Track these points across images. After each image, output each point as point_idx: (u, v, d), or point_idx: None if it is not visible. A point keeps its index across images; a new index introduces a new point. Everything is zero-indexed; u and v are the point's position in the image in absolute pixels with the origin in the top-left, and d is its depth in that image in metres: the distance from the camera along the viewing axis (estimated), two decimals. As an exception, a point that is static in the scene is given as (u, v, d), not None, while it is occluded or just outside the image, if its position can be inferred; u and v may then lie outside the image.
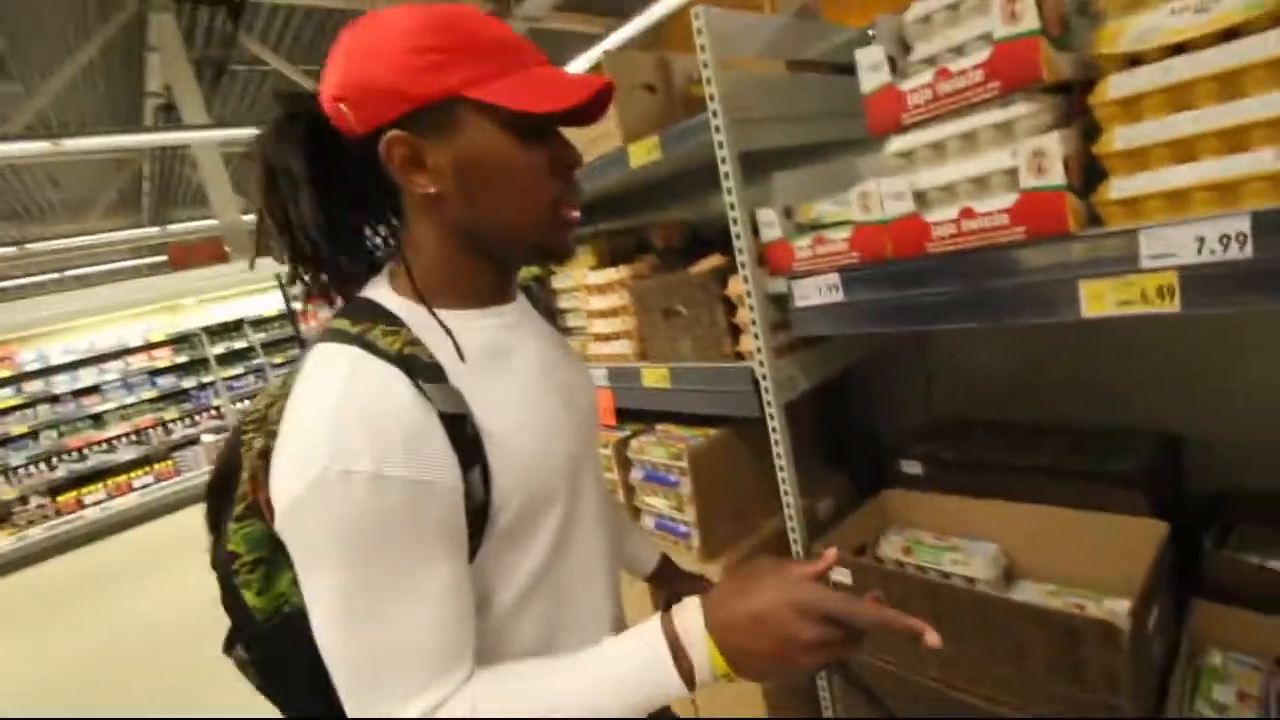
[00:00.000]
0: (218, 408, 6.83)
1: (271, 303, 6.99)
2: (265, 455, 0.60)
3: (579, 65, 5.89)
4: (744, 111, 1.16)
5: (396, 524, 0.53)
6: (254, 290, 6.92)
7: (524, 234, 0.64)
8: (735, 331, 1.36)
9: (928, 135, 0.91)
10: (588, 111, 0.66)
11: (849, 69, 1.43)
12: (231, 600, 0.66)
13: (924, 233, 0.93)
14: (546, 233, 0.65)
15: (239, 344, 6.90)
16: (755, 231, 1.19)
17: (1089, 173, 0.83)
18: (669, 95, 1.48)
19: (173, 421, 6.66)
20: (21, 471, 5.94)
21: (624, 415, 1.73)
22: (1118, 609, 1.04)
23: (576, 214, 0.67)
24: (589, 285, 1.73)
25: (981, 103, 0.86)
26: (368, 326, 0.59)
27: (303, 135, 0.61)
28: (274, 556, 0.64)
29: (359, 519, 0.52)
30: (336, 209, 0.63)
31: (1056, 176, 0.80)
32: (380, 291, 0.65)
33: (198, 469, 6.54)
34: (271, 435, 0.60)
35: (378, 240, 0.71)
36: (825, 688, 1.37)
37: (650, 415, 1.74)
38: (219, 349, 6.78)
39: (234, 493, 0.67)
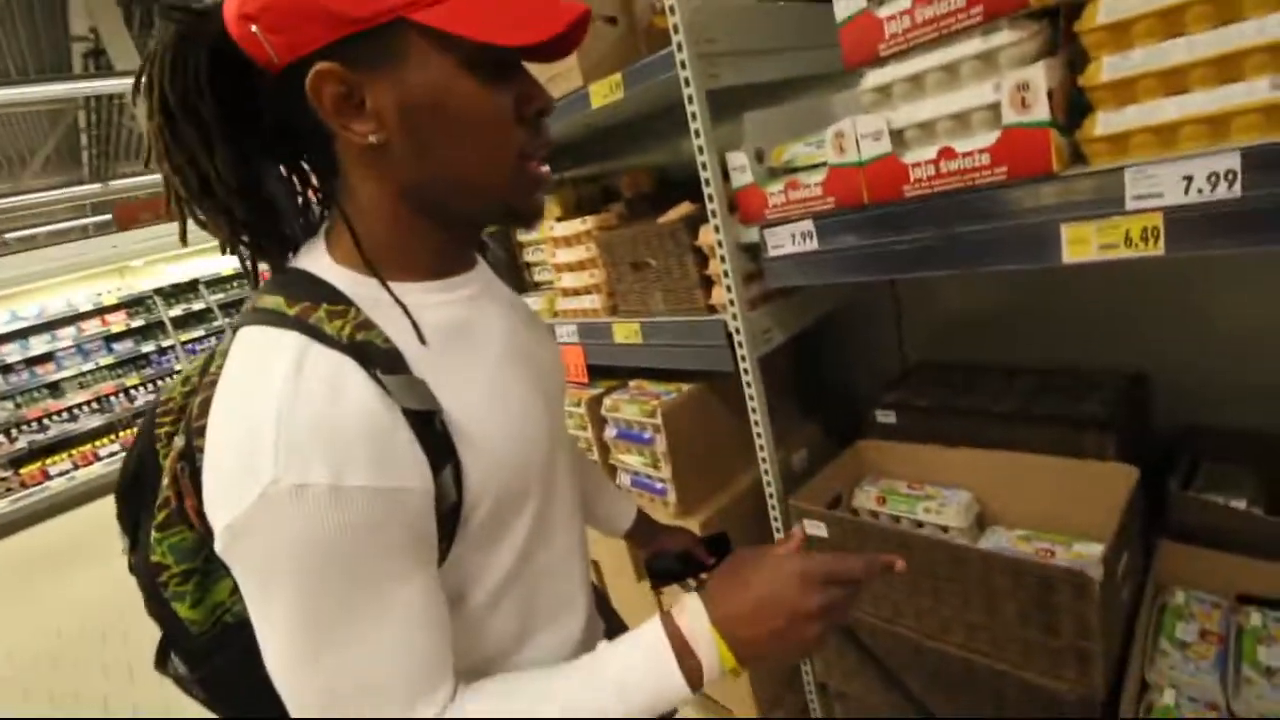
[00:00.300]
0: (179, 371, 6.63)
1: (228, 262, 6.71)
2: (188, 456, 0.52)
3: None
4: (711, 44, 1.07)
5: (359, 541, 0.45)
6: (208, 249, 6.61)
7: (487, 192, 0.54)
8: (708, 283, 1.31)
9: (905, 68, 0.85)
10: (559, 44, 0.53)
11: (823, -2, 1.36)
12: (161, 613, 0.58)
13: (901, 175, 0.88)
14: (513, 191, 0.55)
15: (196, 305, 6.64)
16: (725, 176, 1.13)
17: (1073, 106, 0.78)
18: (631, 28, 1.37)
19: (134, 387, 6.46)
20: (-21, 444, 5.75)
21: (595, 372, 1.69)
22: (1088, 553, 1.05)
23: (546, 169, 0.58)
24: (555, 237, 1.65)
25: (963, 30, 0.80)
26: (308, 307, 0.49)
27: (205, 66, 0.49)
28: (205, 565, 0.56)
29: (316, 539, 0.44)
30: (253, 160, 0.54)
31: (1041, 111, 0.75)
32: (318, 261, 0.54)
33: (165, 435, 6.40)
34: (196, 434, 0.51)
35: (307, 197, 0.61)
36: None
37: (622, 371, 1.70)
38: (176, 311, 6.52)
39: (151, 495, 0.57)
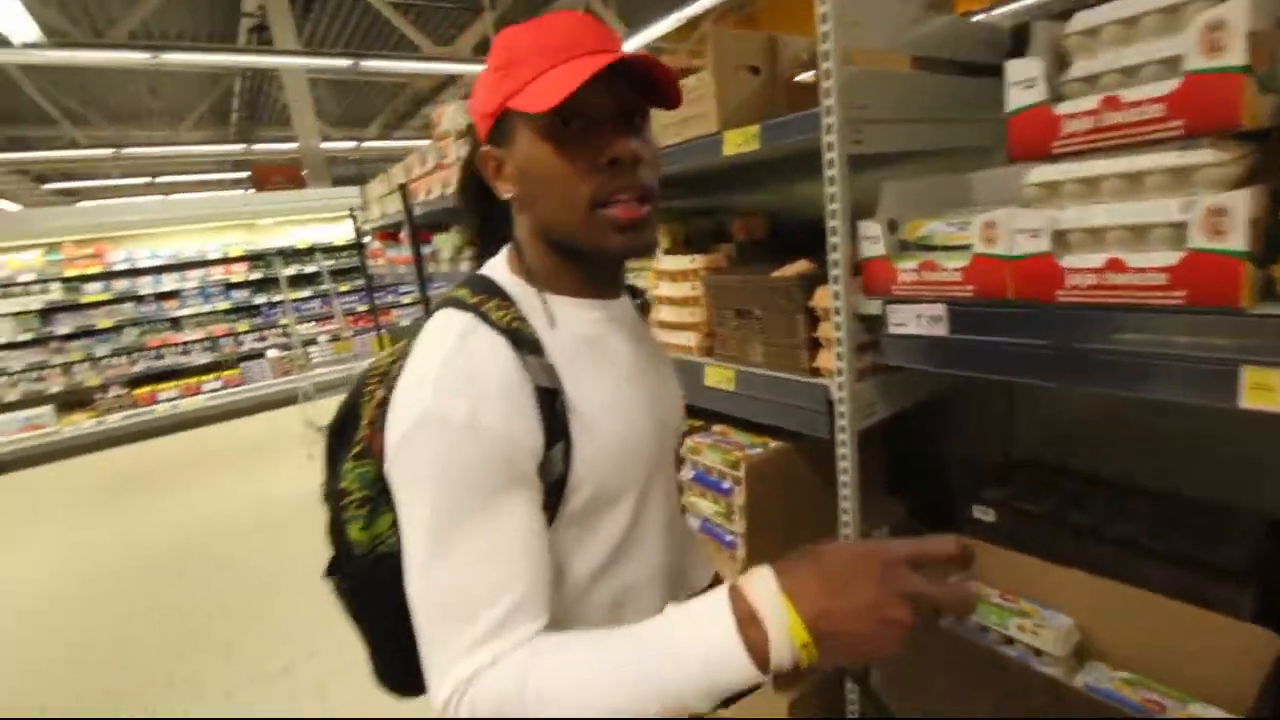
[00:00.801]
0: (285, 326, 7.09)
1: (342, 232, 7.14)
2: (384, 405, 0.66)
3: (668, 23, 5.63)
4: (861, 110, 1.04)
5: (482, 469, 0.56)
6: (327, 218, 7.07)
7: (569, 235, 0.64)
8: (814, 344, 1.27)
9: (1082, 169, 0.79)
10: (663, 95, 0.64)
11: (982, 69, 1.30)
12: (336, 532, 0.74)
13: (1057, 278, 0.82)
14: (587, 234, 0.63)
15: (309, 269, 7.10)
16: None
17: (1271, 239, 0.70)
18: (773, 79, 1.36)
19: (243, 334, 6.95)
20: (105, 362, 6.33)
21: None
22: (1205, 716, 0.94)
23: (629, 212, 0.62)
24: (660, 270, 1.65)
25: (1156, 141, 0.74)
26: (484, 299, 0.65)
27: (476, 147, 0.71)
28: (379, 497, 0.70)
29: (450, 459, 0.56)
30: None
31: (1236, 240, 0.68)
32: (497, 270, 0.71)
33: (262, 380, 6.85)
34: (391, 388, 0.64)
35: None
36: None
37: (707, 414, 1.68)
38: (290, 271, 6.99)
39: (352, 436, 0.74)
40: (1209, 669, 0.96)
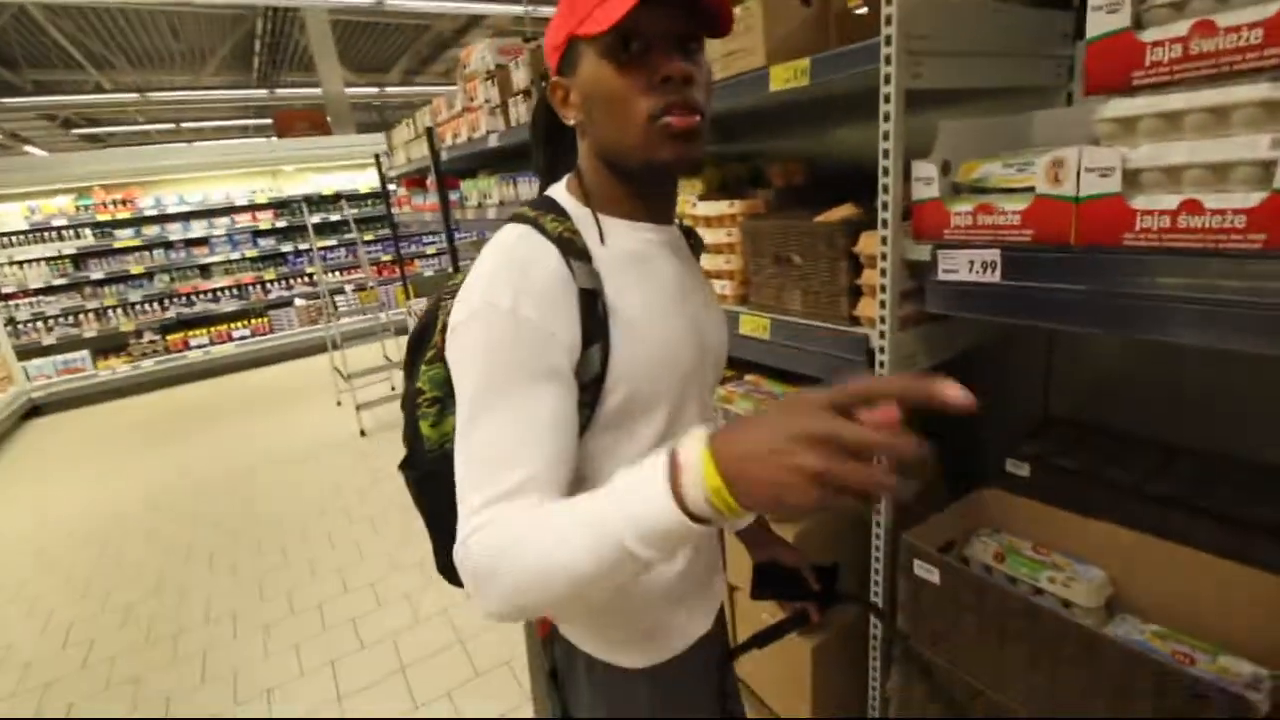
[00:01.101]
0: (311, 275, 7.15)
1: (367, 179, 7.11)
2: (447, 303, 0.75)
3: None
4: (922, 40, 0.99)
5: (518, 353, 0.62)
6: (352, 165, 7.03)
7: (630, 151, 0.68)
8: (856, 292, 1.24)
9: (1165, 102, 0.74)
10: (716, 22, 0.68)
11: (1049, 0, 1.22)
12: (410, 431, 0.83)
13: (1126, 220, 0.78)
14: (646, 147, 0.67)
15: (334, 217, 7.10)
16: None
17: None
18: (824, 10, 1.29)
19: (270, 282, 7.03)
20: (138, 308, 6.46)
21: (712, 357, 1.66)
22: (1234, 669, 0.93)
23: (682, 121, 0.65)
24: (696, 215, 1.61)
25: (1250, 71, 0.69)
26: (541, 213, 0.71)
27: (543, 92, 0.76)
28: (447, 398, 0.78)
29: (491, 341, 0.62)
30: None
31: (1331, 179, 0.64)
32: (557, 191, 0.76)
33: (289, 329, 6.96)
34: (453, 295, 0.72)
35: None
36: (877, 667, 1.34)
37: (740, 363, 1.66)
38: (316, 219, 7.00)
39: (427, 344, 0.82)
40: (1244, 624, 0.95)
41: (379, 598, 2.62)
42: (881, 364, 1.13)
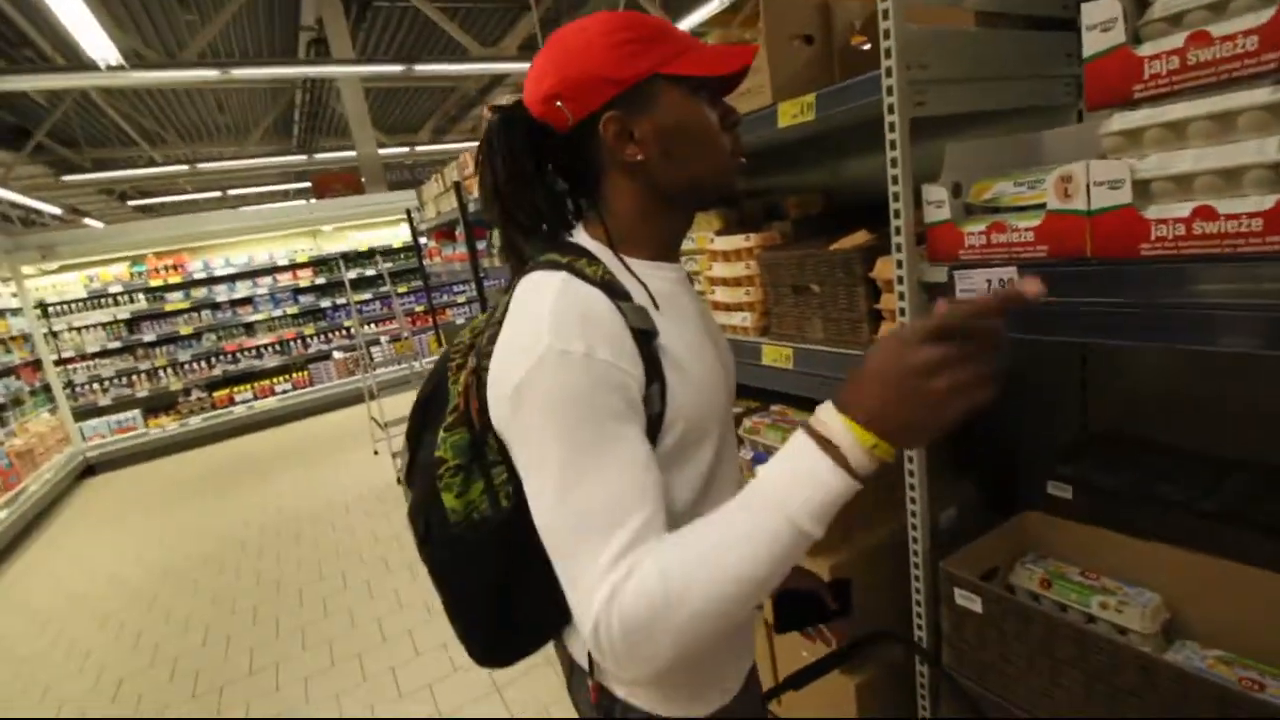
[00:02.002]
0: (348, 328, 7.38)
1: (400, 234, 7.38)
2: (476, 372, 0.70)
3: (714, 5, 5.60)
4: (923, 71, 1.01)
5: (602, 400, 0.60)
6: (385, 222, 7.32)
7: (712, 181, 0.73)
8: (876, 317, 1.24)
9: (1167, 112, 0.75)
10: (738, 79, 0.76)
11: (1046, 22, 1.24)
12: (426, 504, 0.75)
13: (1140, 231, 0.78)
14: (728, 180, 0.75)
15: (369, 271, 7.36)
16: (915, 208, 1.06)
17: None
18: (827, 48, 1.33)
19: (310, 336, 7.28)
20: (186, 367, 6.73)
21: (736, 391, 1.66)
22: (1313, 694, 0.88)
23: (742, 157, 0.76)
24: (714, 250, 1.64)
25: (1249, 77, 0.69)
26: (573, 259, 0.69)
27: (523, 133, 0.72)
28: (471, 465, 0.73)
29: (574, 390, 0.60)
30: (544, 185, 0.76)
31: (1345, 177, 0.63)
32: (579, 237, 0.75)
33: (328, 381, 7.16)
34: (484, 356, 0.68)
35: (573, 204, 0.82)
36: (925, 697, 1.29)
37: (765, 394, 1.66)
38: (352, 274, 7.26)
39: (438, 412, 0.76)
40: (1318, 646, 0.89)
41: (416, 646, 2.61)
42: (906, 387, 1.12)
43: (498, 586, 0.74)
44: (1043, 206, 0.89)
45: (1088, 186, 0.82)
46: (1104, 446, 1.37)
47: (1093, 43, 0.79)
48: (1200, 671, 0.96)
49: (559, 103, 0.68)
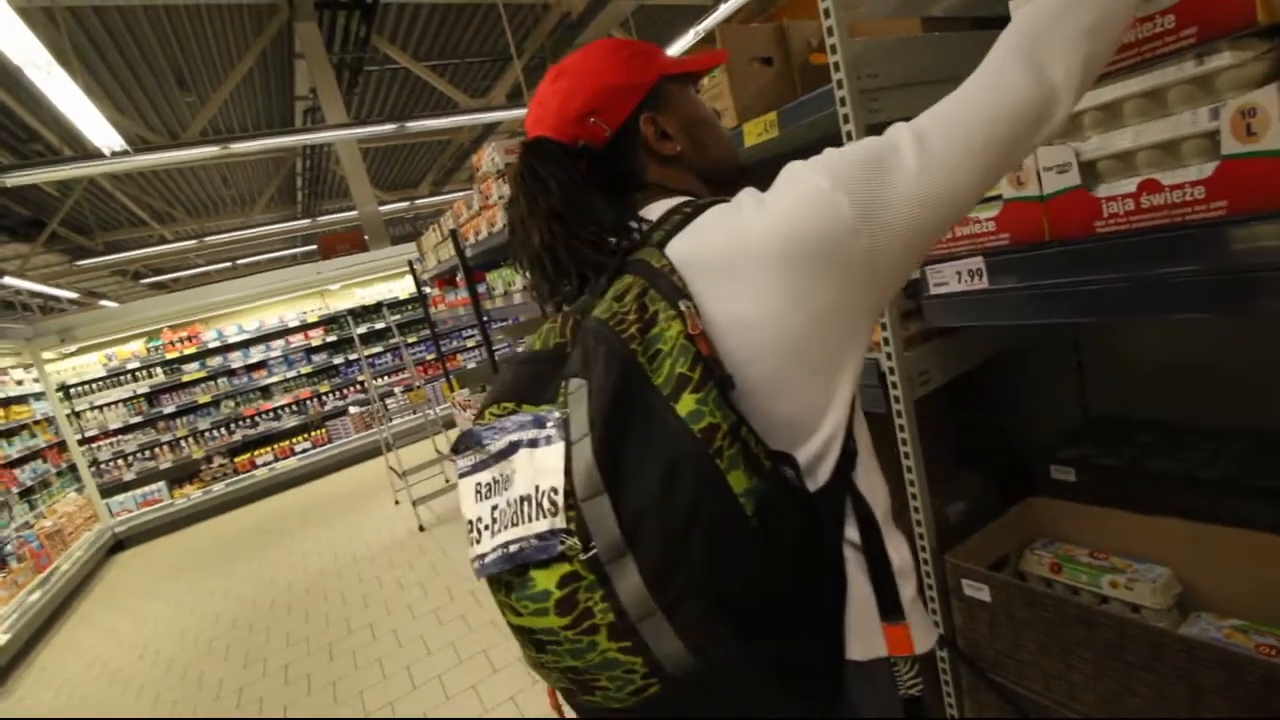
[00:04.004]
0: (361, 382, 7.49)
1: (404, 285, 7.52)
2: (685, 303, 0.57)
3: (688, 40, 5.76)
4: (872, 79, 1.05)
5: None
6: (390, 275, 7.47)
7: (729, 161, 0.80)
8: (858, 320, 1.26)
9: (1099, 94, 0.78)
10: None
11: (992, 21, 1.28)
12: (707, 512, 0.53)
13: (1093, 209, 0.81)
14: (737, 156, 0.82)
15: (378, 325, 7.50)
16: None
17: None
18: (787, 68, 1.38)
19: (325, 394, 7.39)
20: (207, 435, 6.85)
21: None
22: (1333, 655, 0.87)
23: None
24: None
25: (1171, 53, 0.72)
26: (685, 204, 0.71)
27: (559, 154, 0.71)
28: (740, 423, 0.56)
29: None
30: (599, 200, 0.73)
31: (1273, 139, 0.66)
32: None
33: (346, 436, 7.23)
34: (677, 299, 0.58)
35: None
36: (949, 682, 1.27)
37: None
38: (361, 329, 7.40)
39: (647, 400, 0.55)
40: (1331, 605, 0.89)
41: (446, 691, 2.60)
42: (894, 384, 1.14)
43: (812, 585, 0.59)
44: (1000, 197, 0.92)
45: (1038, 173, 0.85)
46: (1103, 428, 1.38)
47: (1023, 37, 0.83)
48: (1217, 641, 0.95)
49: (593, 118, 0.71)
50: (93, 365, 6.46)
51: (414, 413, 7.28)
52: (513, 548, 0.55)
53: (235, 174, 9.84)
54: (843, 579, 0.63)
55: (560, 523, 0.54)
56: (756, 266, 0.58)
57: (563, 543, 0.54)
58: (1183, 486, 1.11)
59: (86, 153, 4.96)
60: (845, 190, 0.57)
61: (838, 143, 1.10)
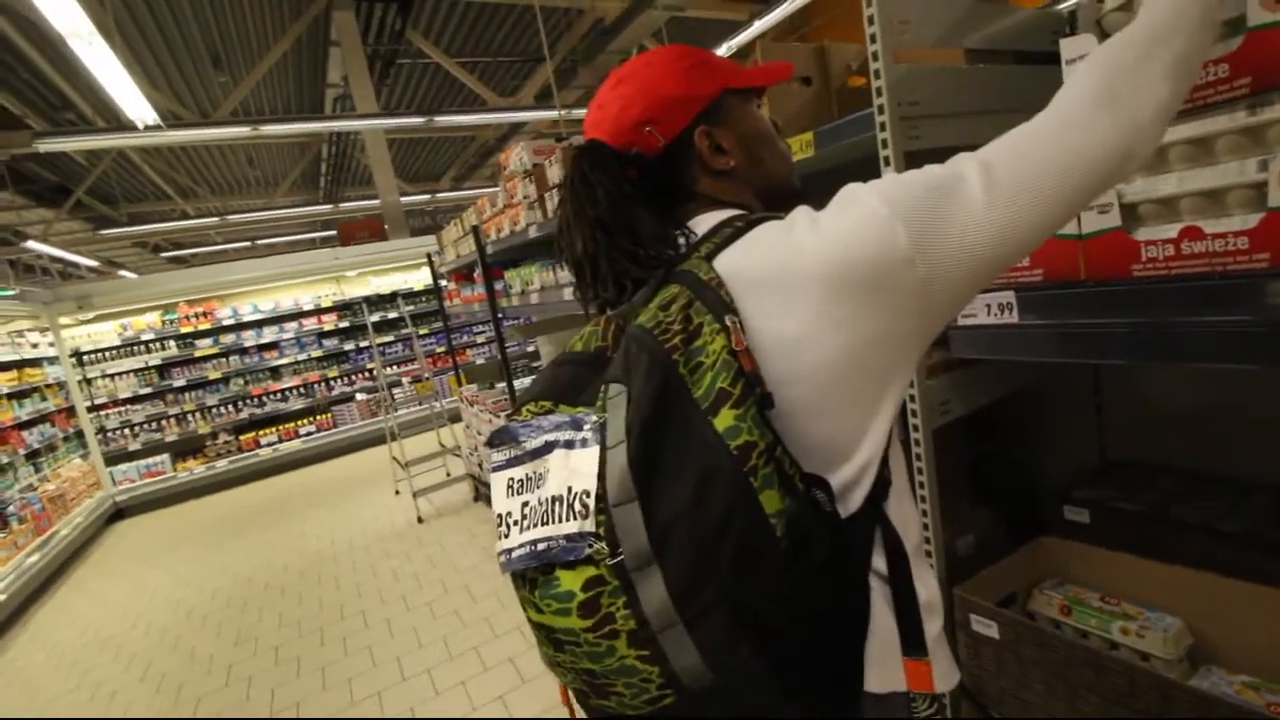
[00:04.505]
0: (370, 370, 7.52)
1: (421, 277, 7.57)
2: (732, 331, 0.56)
3: (720, 54, 5.80)
4: (914, 107, 1.06)
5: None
6: (407, 266, 7.51)
7: (785, 176, 0.80)
8: (880, 345, 1.26)
9: (1147, 140, 0.78)
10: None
11: (1032, 56, 1.29)
12: (737, 533, 0.52)
13: (1131, 252, 0.80)
14: (793, 172, 0.81)
15: (391, 314, 7.54)
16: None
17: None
18: (825, 88, 1.39)
19: (334, 379, 7.42)
20: (214, 411, 6.89)
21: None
22: (1347, 719, 0.86)
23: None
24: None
25: (1224, 102, 0.72)
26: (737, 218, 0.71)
27: (614, 162, 0.71)
28: (777, 442, 0.55)
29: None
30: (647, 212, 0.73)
31: (1323, 194, 0.65)
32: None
33: (351, 423, 7.26)
34: (723, 313, 0.57)
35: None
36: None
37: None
38: (374, 317, 7.44)
39: (686, 413, 0.55)
40: (1348, 668, 0.87)
41: (435, 685, 2.60)
42: (914, 412, 1.14)
43: (836, 611, 0.59)
44: (1036, 232, 0.92)
45: (1077, 211, 0.85)
46: (1121, 471, 1.36)
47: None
48: (1228, 697, 0.94)
49: (649, 128, 0.71)
50: (108, 334, 6.52)
51: (420, 404, 7.30)
52: (540, 546, 0.56)
53: (261, 155, 9.94)
54: (867, 607, 0.63)
55: (590, 526, 0.54)
56: (804, 286, 0.58)
57: (591, 546, 0.54)
58: (1200, 536, 1.10)
59: (120, 124, 5.03)
60: (903, 218, 0.56)
61: (874, 167, 1.11)
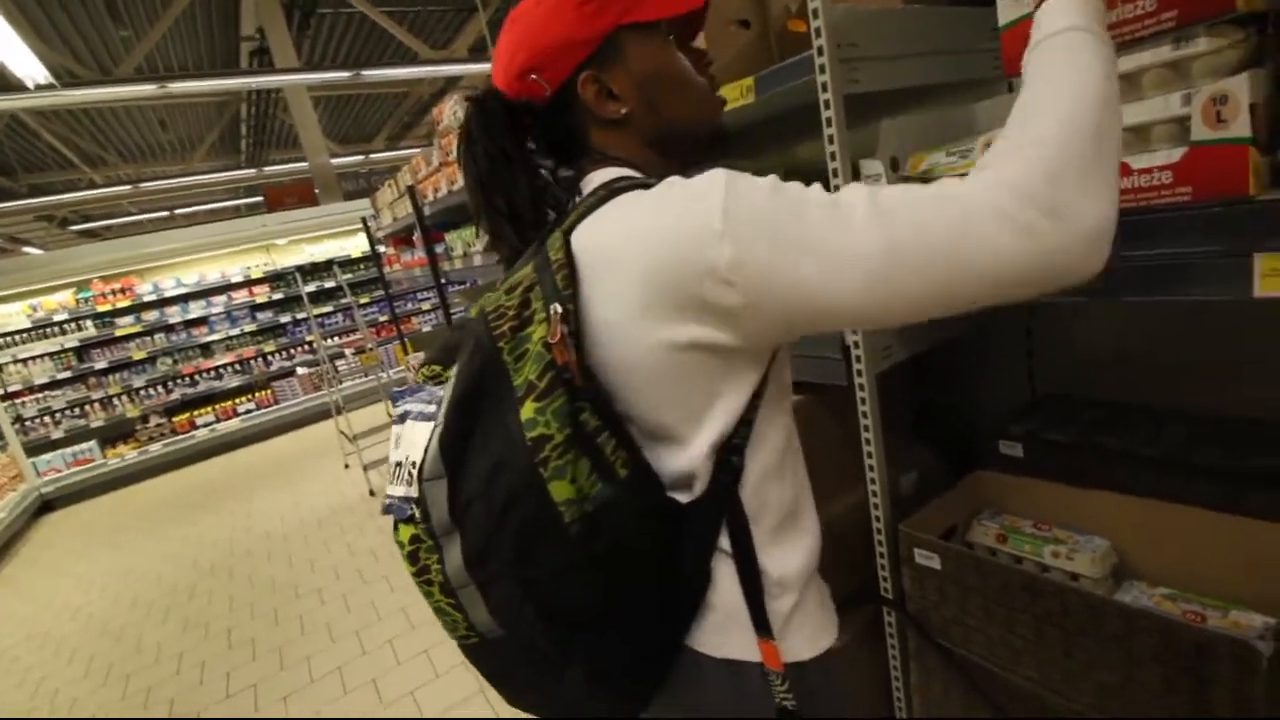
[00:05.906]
0: (310, 342, 7.24)
1: (358, 243, 7.26)
2: (567, 319, 0.56)
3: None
4: (853, 49, 1.04)
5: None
6: (342, 232, 7.19)
7: (702, 121, 0.72)
8: (825, 293, 1.27)
9: (1077, 76, 0.78)
10: (697, 23, 0.75)
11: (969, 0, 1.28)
12: (521, 515, 0.57)
13: (1061, 191, 0.82)
14: (714, 116, 0.73)
15: (329, 283, 7.23)
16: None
17: (1276, 125, 0.69)
18: (765, 31, 1.35)
19: (271, 354, 7.12)
20: (142, 393, 6.53)
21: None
22: (1246, 622, 0.93)
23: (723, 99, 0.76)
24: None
25: (1151, 36, 0.73)
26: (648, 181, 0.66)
27: (502, 114, 0.69)
28: (576, 435, 0.56)
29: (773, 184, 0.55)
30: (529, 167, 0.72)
31: (1239, 127, 0.67)
32: (627, 174, 0.70)
33: (293, 398, 7.01)
34: (563, 300, 0.57)
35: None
36: (896, 660, 1.33)
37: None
38: (310, 288, 7.12)
39: (494, 396, 0.58)
40: (1248, 575, 0.95)
41: (398, 656, 2.59)
42: (857, 358, 1.15)
43: (646, 588, 0.62)
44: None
45: (1012, 151, 0.85)
46: (1050, 406, 1.43)
47: (1006, 12, 0.83)
48: (1147, 609, 1.01)
49: (534, 75, 0.67)
50: (16, 316, 6.06)
51: (366, 375, 7.09)
52: (388, 501, 0.66)
53: (174, 117, 9.23)
54: (703, 582, 0.65)
55: (414, 493, 0.62)
56: (627, 274, 0.57)
57: (411, 509, 0.63)
58: (1123, 463, 1.17)
59: (7, 84, 4.57)
60: (734, 240, 0.51)
61: (814, 112, 1.09)
